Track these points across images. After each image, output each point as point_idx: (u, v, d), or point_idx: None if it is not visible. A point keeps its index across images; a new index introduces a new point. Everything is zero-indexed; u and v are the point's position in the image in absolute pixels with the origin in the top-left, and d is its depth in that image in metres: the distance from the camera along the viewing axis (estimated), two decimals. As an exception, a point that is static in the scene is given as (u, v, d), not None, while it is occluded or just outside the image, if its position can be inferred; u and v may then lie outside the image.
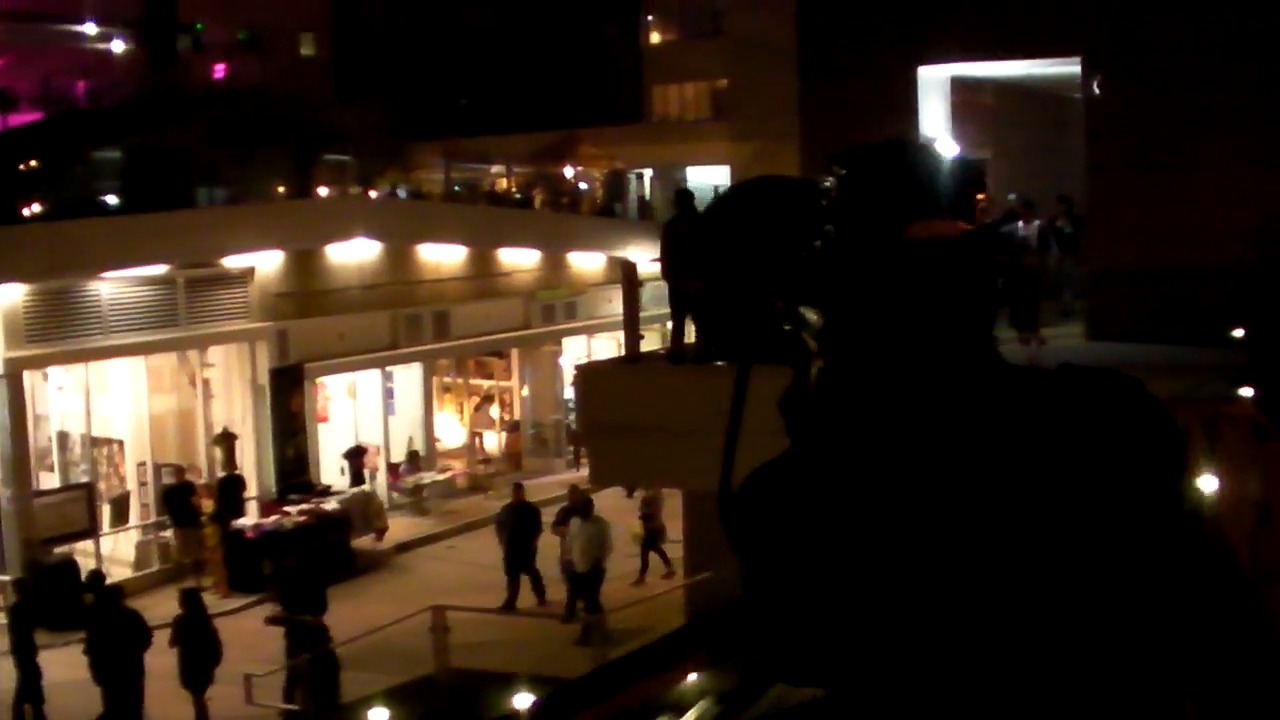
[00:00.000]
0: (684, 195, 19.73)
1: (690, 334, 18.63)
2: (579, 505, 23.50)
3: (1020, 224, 19.35)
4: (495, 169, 48.26)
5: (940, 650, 2.15)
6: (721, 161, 51.45)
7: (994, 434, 2.17)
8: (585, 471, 32.08)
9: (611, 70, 58.98)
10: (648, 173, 54.45)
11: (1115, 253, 19.35)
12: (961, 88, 23.39)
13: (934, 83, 21.81)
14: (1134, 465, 2.14)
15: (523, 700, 16.78)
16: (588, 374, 19.54)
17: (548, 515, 24.71)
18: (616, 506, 28.08)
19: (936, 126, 21.79)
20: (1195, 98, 19.48)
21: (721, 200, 2.47)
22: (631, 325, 19.36)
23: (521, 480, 32.51)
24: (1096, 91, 20.16)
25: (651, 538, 26.03)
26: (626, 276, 19.60)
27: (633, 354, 19.15)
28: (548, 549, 24.15)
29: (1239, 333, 16.92)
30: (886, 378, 2.25)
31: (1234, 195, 19.12)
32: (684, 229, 18.83)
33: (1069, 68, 21.18)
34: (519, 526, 24.39)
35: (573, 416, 36.69)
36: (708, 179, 49.42)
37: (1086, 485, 2.13)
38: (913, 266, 2.18)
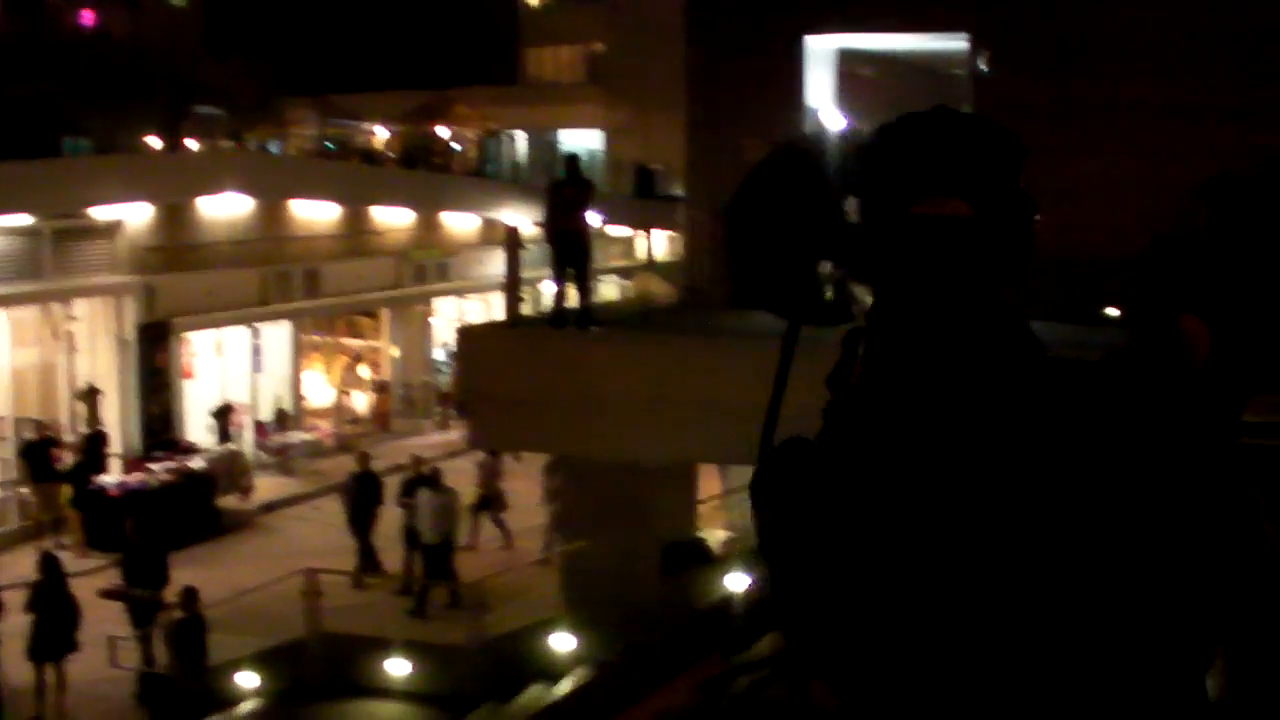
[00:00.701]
0: (572, 159, 19.56)
1: (571, 297, 18.46)
2: (426, 476, 23.05)
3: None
4: (368, 126, 47.68)
5: (963, 640, 2.09)
6: (595, 125, 51.29)
7: (1009, 416, 2.11)
8: (454, 434, 31.93)
9: (487, 31, 58.52)
10: (520, 134, 54.13)
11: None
12: (848, 60, 23.32)
13: (821, 55, 21.70)
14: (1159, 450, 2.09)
15: (397, 665, 16.60)
16: (468, 336, 19.28)
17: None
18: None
19: (823, 99, 21.70)
20: (1083, 82, 19.54)
21: (772, 159, 2.36)
22: (513, 288, 19.12)
23: (392, 441, 32.39)
24: (983, 69, 20.15)
25: (485, 503, 25.67)
26: (509, 239, 19.34)
27: (513, 317, 18.92)
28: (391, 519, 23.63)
29: (1114, 312, 17.00)
30: (900, 356, 2.22)
31: (1118, 183, 19.20)
32: (569, 192, 18.66)
33: (957, 44, 21.16)
34: (361, 495, 23.79)
35: (442, 378, 36.43)
36: (581, 142, 49.22)
37: (1110, 469, 2.07)
38: (920, 241, 2.14)
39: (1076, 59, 19.58)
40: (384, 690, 16.67)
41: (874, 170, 2.18)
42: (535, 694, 15.94)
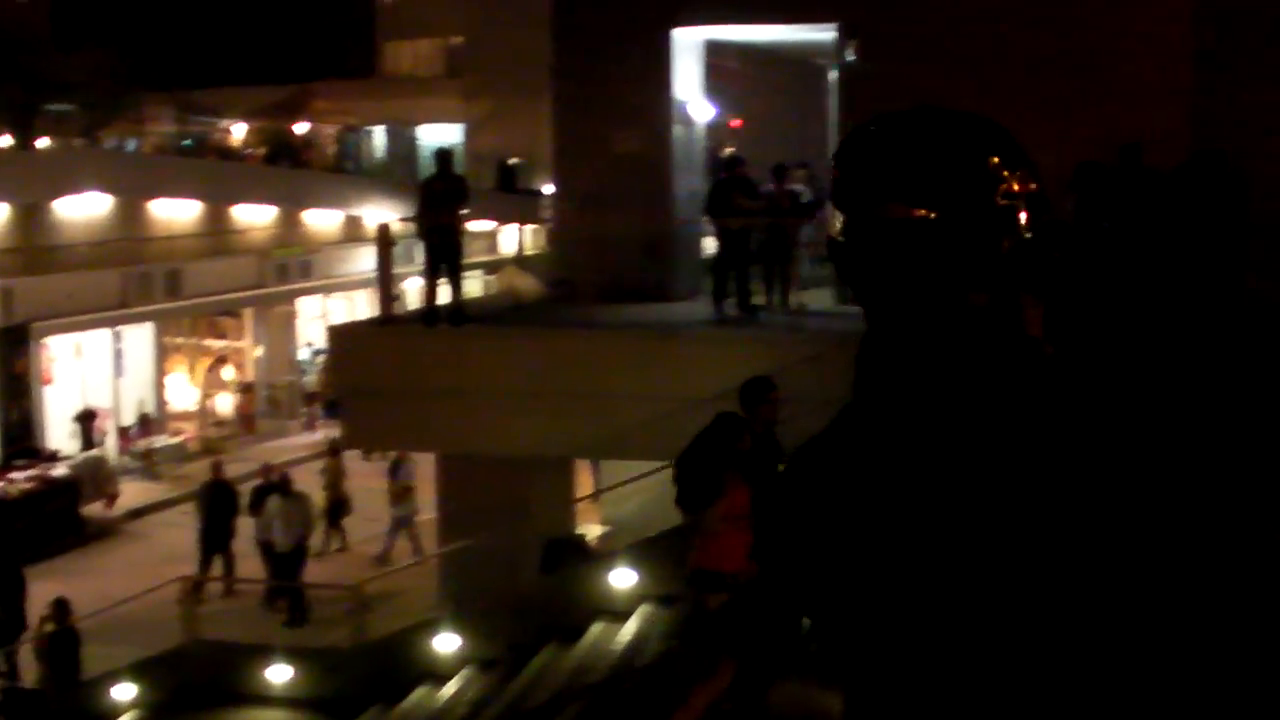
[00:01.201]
0: (443, 153, 19.33)
1: (442, 295, 18.30)
2: (277, 482, 22.49)
3: (772, 188, 19.31)
4: (226, 123, 47.03)
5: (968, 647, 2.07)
6: (454, 119, 51.00)
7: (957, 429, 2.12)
8: (321, 434, 31.58)
9: (343, 24, 57.95)
10: (379, 129, 53.72)
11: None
12: (713, 51, 23.32)
13: (688, 45, 21.68)
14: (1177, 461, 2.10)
15: (278, 671, 16.33)
16: (341, 336, 19.03)
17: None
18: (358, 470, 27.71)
19: (690, 90, 21.68)
20: (953, 71, 19.68)
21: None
22: (385, 286, 18.91)
23: (258, 443, 31.96)
24: (852, 59, 20.24)
25: (334, 510, 25.17)
26: (380, 236, 19.11)
27: (386, 315, 18.72)
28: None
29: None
30: (887, 359, 2.18)
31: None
32: (441, 187, 18.48)
33: (822, 34, 21.22)
34: (215, 505, 23.00)
35: (307, 378, 36.00)
36: (441, 137, 48.91)
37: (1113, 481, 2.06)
38: (888, 244, 2.10)
39: (944, 48, 19.72)
40: (266, 697, 16.39)
41: (846, 175, 2.15)
42: (422, 696, 15.75)
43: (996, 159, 2.12)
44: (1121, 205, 17.19)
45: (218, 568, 22.62)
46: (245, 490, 23.46)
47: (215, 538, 22.69)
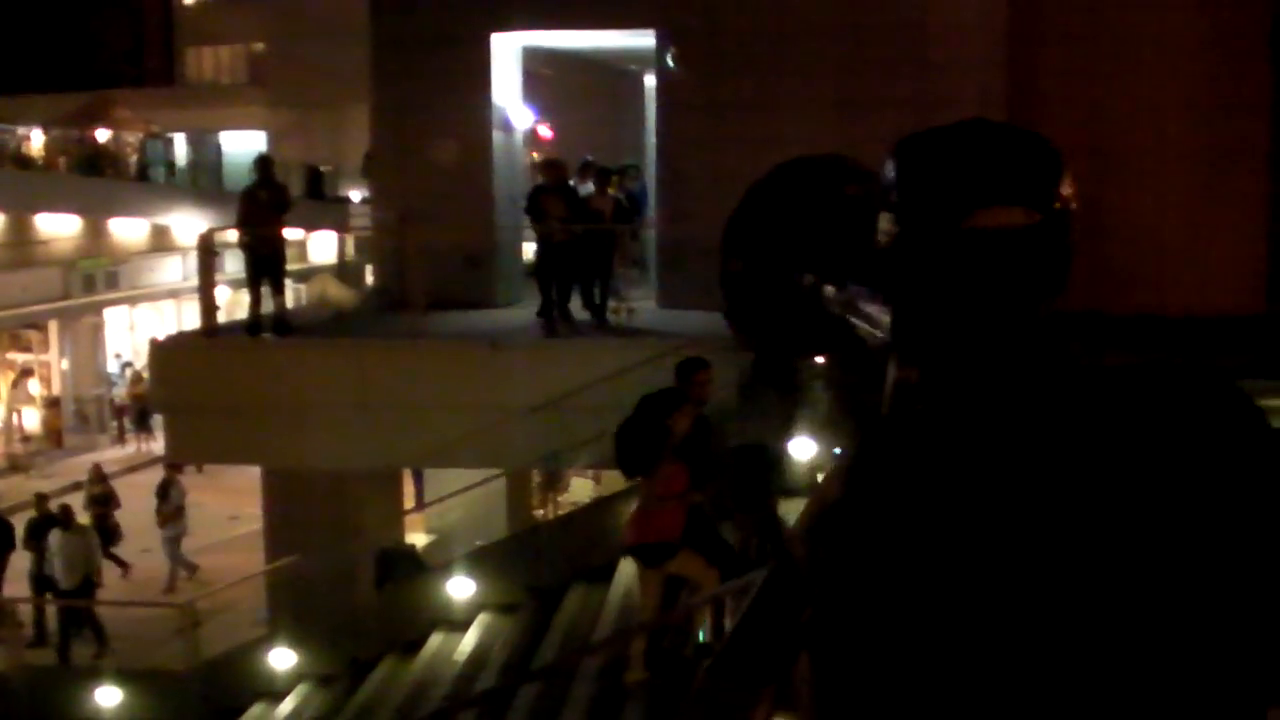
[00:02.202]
0: (264, 161, 19.11)
1: (272, 303, 18.07)
2: (55, 515, 20.74)
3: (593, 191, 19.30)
4: (23, 130, 45.75)
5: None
6: (258, 126, 50.28)
7: (1078, 440, 1.96)
8: (132, 448, 30.95)
9: (139, 30, 56.86)
10: (180, 137, 52.74)
11: (685, 227, 19.56)
12: (529, 59, 23.32)
13: (507, 52, 21.63)
14: (1235, 469, 1.95)
15: (107, 694, 15.96)
16: (163, 349, 18.62)
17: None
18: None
19: (509, 97, 21.64)
20: (769, 78, 19.91)
21: (764, 182, 2.26)
22: (207, 296, 18.56)
23: (66, 458, 31.20)
24: (671, 65, 20.35)
25: (104, 537, 22.85)
26: (202, 245, 18.77)
27: (209, 326, 18.38)
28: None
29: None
30: (956, 377, 2.07)
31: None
32: (264, 196, 18.22)
33: (640, 40, 21.33)
34: None
35: (116, 390, 35.24)
36: (244, 145, 48.20)
37: (1186, 492, 1.93)
38: (974, 256, 2.02)
39: (761, 53, 19.92)
40: (94, 722, 16.01)
41: (918, 185, 2.06)
42: (257, 714, 15.52)
43: (1062, 169, 2.07)
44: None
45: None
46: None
47: None
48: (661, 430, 10.21)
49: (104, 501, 24.15)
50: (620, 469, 11.07)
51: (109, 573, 22.36)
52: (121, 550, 23.89)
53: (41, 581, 20.29)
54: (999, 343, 2.05)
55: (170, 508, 23.91)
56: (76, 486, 24.38)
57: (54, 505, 21.32)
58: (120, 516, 24.21)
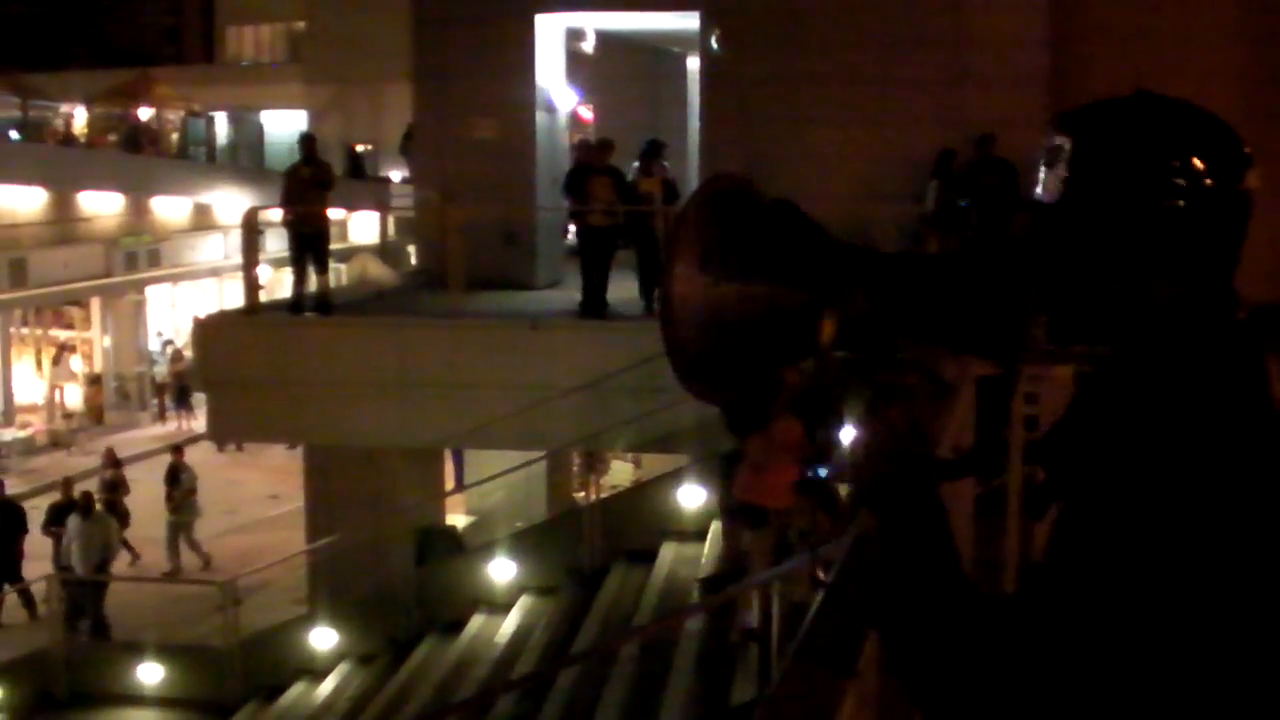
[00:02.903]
0: (307, 139, 19.10)
1: (313, 282, 18.07)
2: (76, 501, 20.50)
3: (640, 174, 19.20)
4: (65, 108, 45.91)
5: None
6: (298, 105, 50.34)
7: None
8: (173, 425, 31.03)
9: (180, 8, 57.03)
10: (221, 115, 52.84)
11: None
12: (572, 39, 23.28)
13: (551, 32, 21.59)
14: None
15: (150, 671, 16.03)
16: (207, 326, 18.63)
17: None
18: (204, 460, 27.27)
19: (553, 77, 21.61)
20: (809, 56, 19.85)
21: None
22: (250, 274, 18.59)
23: (107, 435, 31.31)
24: (715, 46, 20.30)
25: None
26: (246, 223, 18.76)
27: (253, 304, 18.40)
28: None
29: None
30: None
31: (845, 151, 19.60)
32: (307, 174, 18.23)
33: (683, 22, 21.28)
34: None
35: (158, 368, 35.33)
36: (284, 123, 48.30)
37: None
38: (1245, 217, 2.00)
39: (804, 35, 19.87)
40: (138, 697, 16.07)
41: (1184, 148, 1.97)
42: (299, 692, 15.56)
43: None
44: (978, 190, 17.59)
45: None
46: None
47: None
48: (774, 381, 9.95)
49: (113, 487, 23.54)
50: (729, 427, 10.72)
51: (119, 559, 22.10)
52: (161, 529, 23.93)
53: (61, 568, 19.95)
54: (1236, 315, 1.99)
55: (181, 492, 23.59)
56: (174, 449, 24.36)
57: (76, 492, 21.14)
58: (157, 497, 24.20)
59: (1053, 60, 19.17)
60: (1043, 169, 2.02)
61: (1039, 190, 2.02)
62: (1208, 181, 1.93)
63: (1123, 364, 1.96)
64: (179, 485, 23.64)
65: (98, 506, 20.67)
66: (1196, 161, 1.94)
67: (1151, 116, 1.99)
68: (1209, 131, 1.97)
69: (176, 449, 24.44)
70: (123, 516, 22.79)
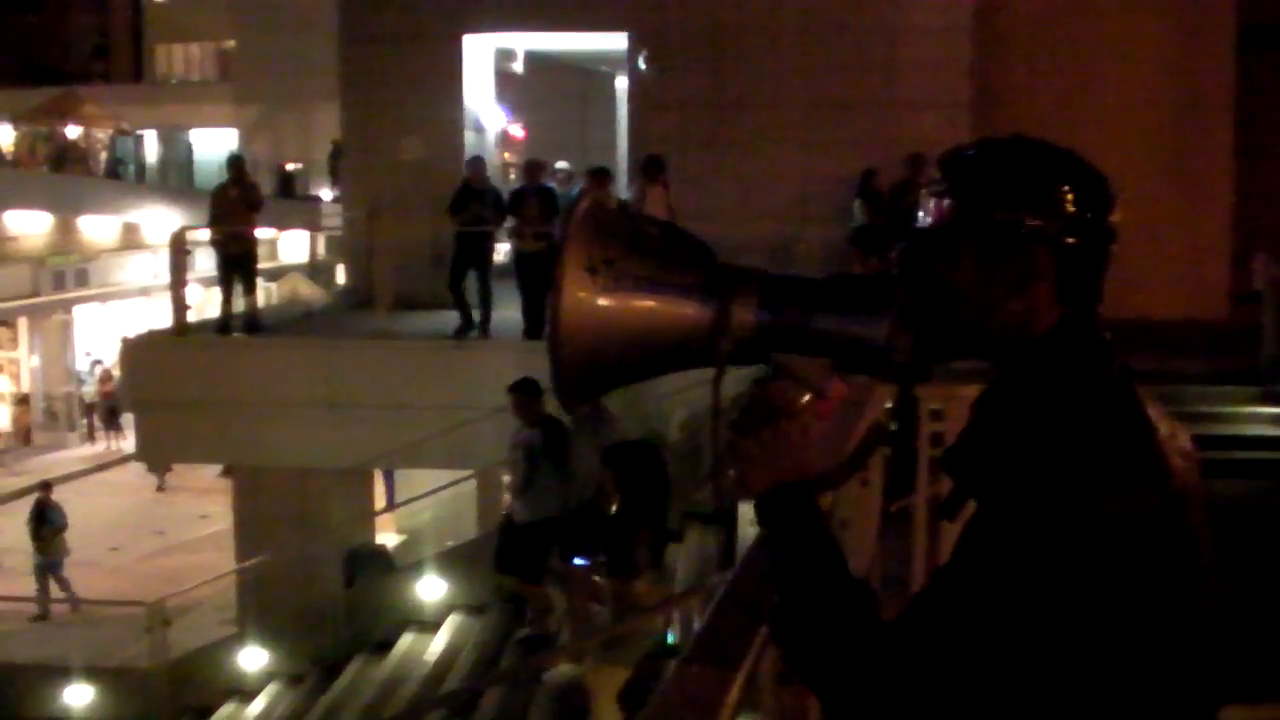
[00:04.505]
0: (236, 160, 19.11)
1: (243, 302, 18.07)
2: None
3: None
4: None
5: None
6: (228, 124, 50.18)
7: None
8: (101, 446, 30.89)
9: (107, 26, 56.72)
10: (151, 134, 52.60)
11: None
12: (502, 58, 23.40)
13: (479, 52, 21.69)
14: None
15: (77, 693, 15.97)
16: (135, 346, 18.61)
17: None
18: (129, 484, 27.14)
19: (481, 97, 21.72)
20: (740, 80, 20.05)
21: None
22: (178, 294, 18.55)
23: (35, 456, 31.15)
24: (643, 67, 20.45)
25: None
26: (175, 243, 18.73)
27: (180, 325, 18.37)
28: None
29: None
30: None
31: (772, 173, 19.79)
32: (235, 194, 18.22)
33: (610, 43, 21.44)
34: None
35: (86, 388, 35.15)
36: (214, 142, 48.15)
37: None
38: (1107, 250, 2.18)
39: (733, 57, 20.05)
40: (65, 720, 16.02)
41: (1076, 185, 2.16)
42: (228, 712, 15.55)
43: None
44: (901, 210, 17.76)
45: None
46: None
47: None
48: None
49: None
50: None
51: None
52: (90, 550, 23.78)
53: None
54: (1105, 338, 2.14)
55: (49, 531, 22.73)
56: (43, 486, 24.17)
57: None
58: (86, 517, 24.02)
59: (978, 83, 19.44)
60: (927, 200, 2.19)
61: (921, 217, 2.20)
62: (1076, 212, 2.09)
63: (1008, 382, 2.12)
64: (47, 524, 22.74)
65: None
66: (1067, 193, 2.10)
67: (1025, 154, 2.15)
68: (1079, 170, 2.14)
69: (45, 485, 23.56)
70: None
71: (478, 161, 18.26)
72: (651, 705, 2.79)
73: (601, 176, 17.06)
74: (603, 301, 2.14)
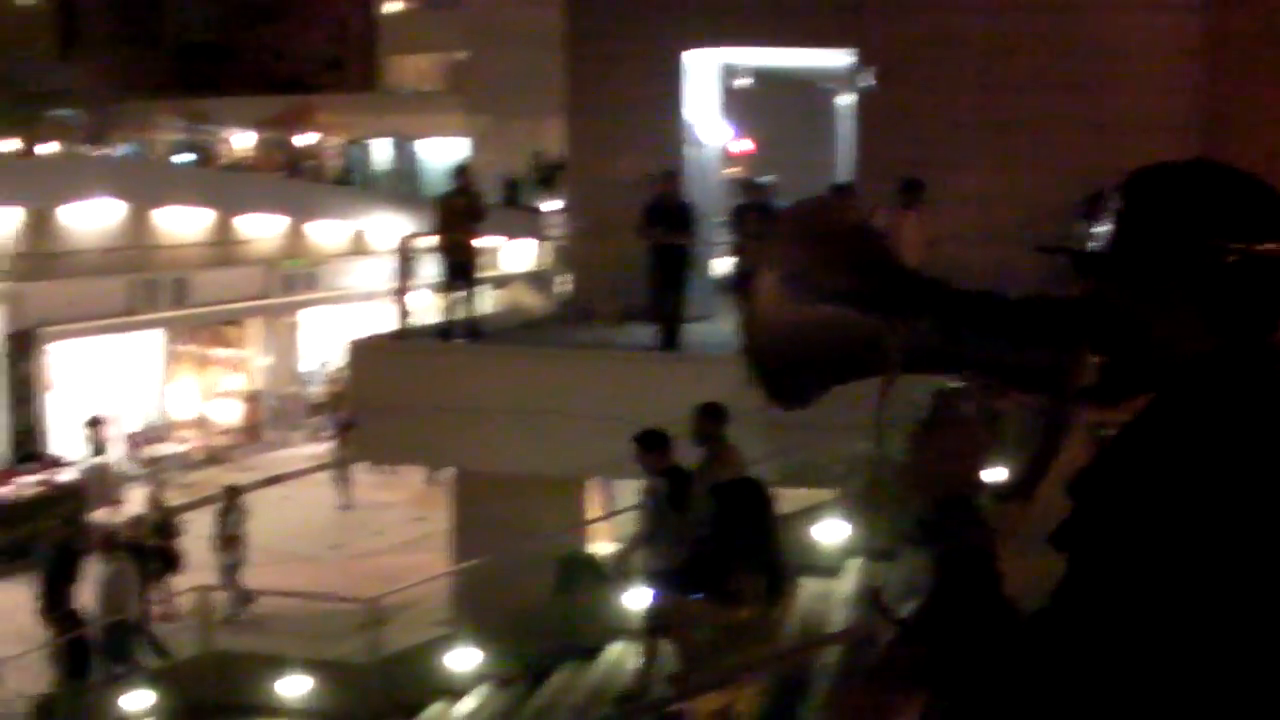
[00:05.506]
0: (462, 169, 19.52)
1: (465, 309, 18.41)
2: (103, 542, 19.76)
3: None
4: (228, 133, 47.07)
5: None
6: (456, 134, 51.04)
7: None
8: (324, 446, 31.61)
9: (342, 38, 58.11)
10: (381, 143, 53.74)
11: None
12: (729, 74, 23.48)
13: (704, 68, 21.81)
14: None
15: (293, 684, 16.40)
16: (360, 349, 19.10)
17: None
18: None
19: (705, 112, 21.83)
20: (956, 99, 19.89)
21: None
22: (402, 299, 19.01)
23: (262, 453, 32.01)
24: (871, 84, 20.38)
25: (166, 564, 21.75)
26: (401, 249, 19.22)
27: (403, 329, 18.81)
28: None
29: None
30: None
31: (987, 196, 19.57)
32: (460, 202, 18.59)
33: (837, 59, 21.40)
34: (57, 568, 19.75)
35: (311, 389, 36.03)
36: (442, 152, 48.99)
37: None
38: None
39: (957, 75, 19.91)
40: (280, 709, 16.44)
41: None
42: (436, 713, 15.82)
43: None
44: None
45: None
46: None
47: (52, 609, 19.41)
48: None
49: (161, 530, 22.44)
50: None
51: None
52: (312, 546, 24.39)
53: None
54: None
55: (227, 533, 22.95)
56: (270, 481, 24.79)
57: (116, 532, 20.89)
58: (309, 514, 24.56)
59: (1207, 105, 19.02)
60: (1102, 225, 2.19)
61: (1093, 244, 2.19)
62: (1251, 237, 2.08)
63: (1164, 409, 2.10)
64: (227, 525, 23.00)
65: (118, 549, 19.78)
66: (1244, 218, 2.09)
67: (1203, 178, 2.15)
68: (1258, 196, 2.12)
69: (233, 490, 23.82)
70: (170, 560, 21.96)
71: (668, 178, 18.37)
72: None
73: (845, 191, 17.12)
74: (790, 308, 2.21)
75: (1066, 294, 2.44)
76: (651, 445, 12.04)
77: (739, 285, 18.12)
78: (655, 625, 12.07)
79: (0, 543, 24.68)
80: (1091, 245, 2.21)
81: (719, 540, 10.36)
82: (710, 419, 11.69)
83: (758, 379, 2.27)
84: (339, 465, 29.19)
